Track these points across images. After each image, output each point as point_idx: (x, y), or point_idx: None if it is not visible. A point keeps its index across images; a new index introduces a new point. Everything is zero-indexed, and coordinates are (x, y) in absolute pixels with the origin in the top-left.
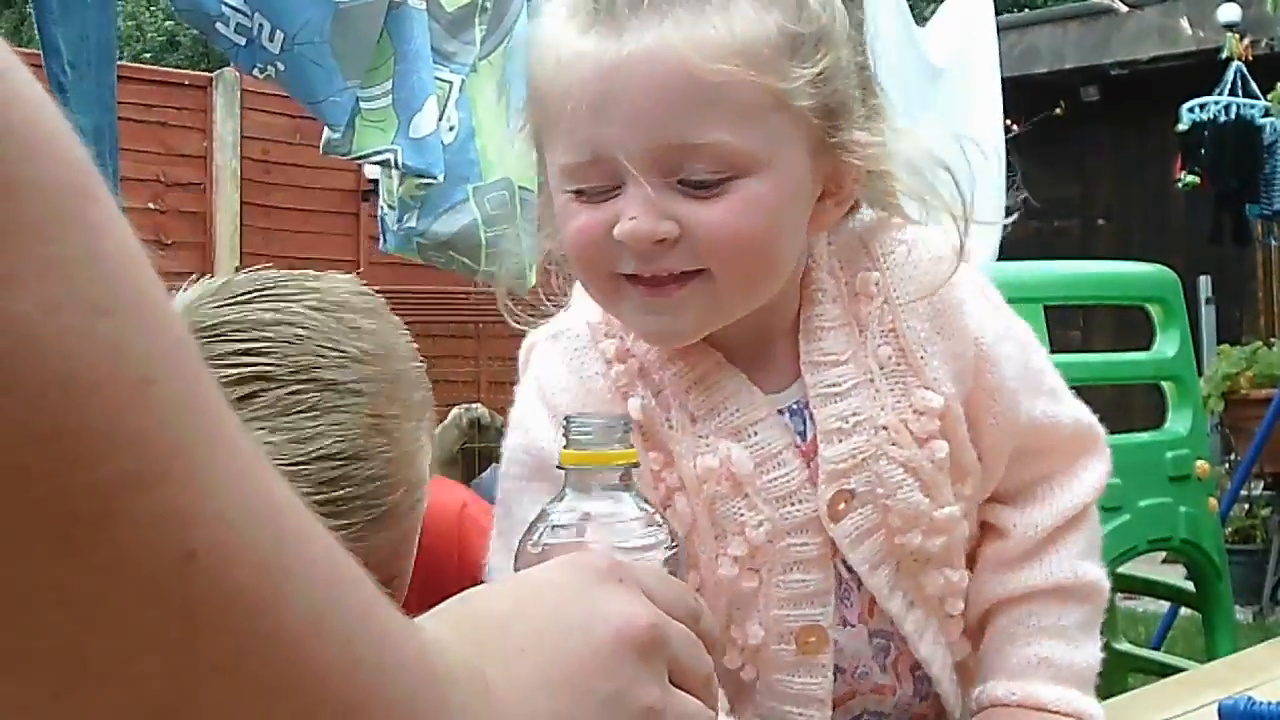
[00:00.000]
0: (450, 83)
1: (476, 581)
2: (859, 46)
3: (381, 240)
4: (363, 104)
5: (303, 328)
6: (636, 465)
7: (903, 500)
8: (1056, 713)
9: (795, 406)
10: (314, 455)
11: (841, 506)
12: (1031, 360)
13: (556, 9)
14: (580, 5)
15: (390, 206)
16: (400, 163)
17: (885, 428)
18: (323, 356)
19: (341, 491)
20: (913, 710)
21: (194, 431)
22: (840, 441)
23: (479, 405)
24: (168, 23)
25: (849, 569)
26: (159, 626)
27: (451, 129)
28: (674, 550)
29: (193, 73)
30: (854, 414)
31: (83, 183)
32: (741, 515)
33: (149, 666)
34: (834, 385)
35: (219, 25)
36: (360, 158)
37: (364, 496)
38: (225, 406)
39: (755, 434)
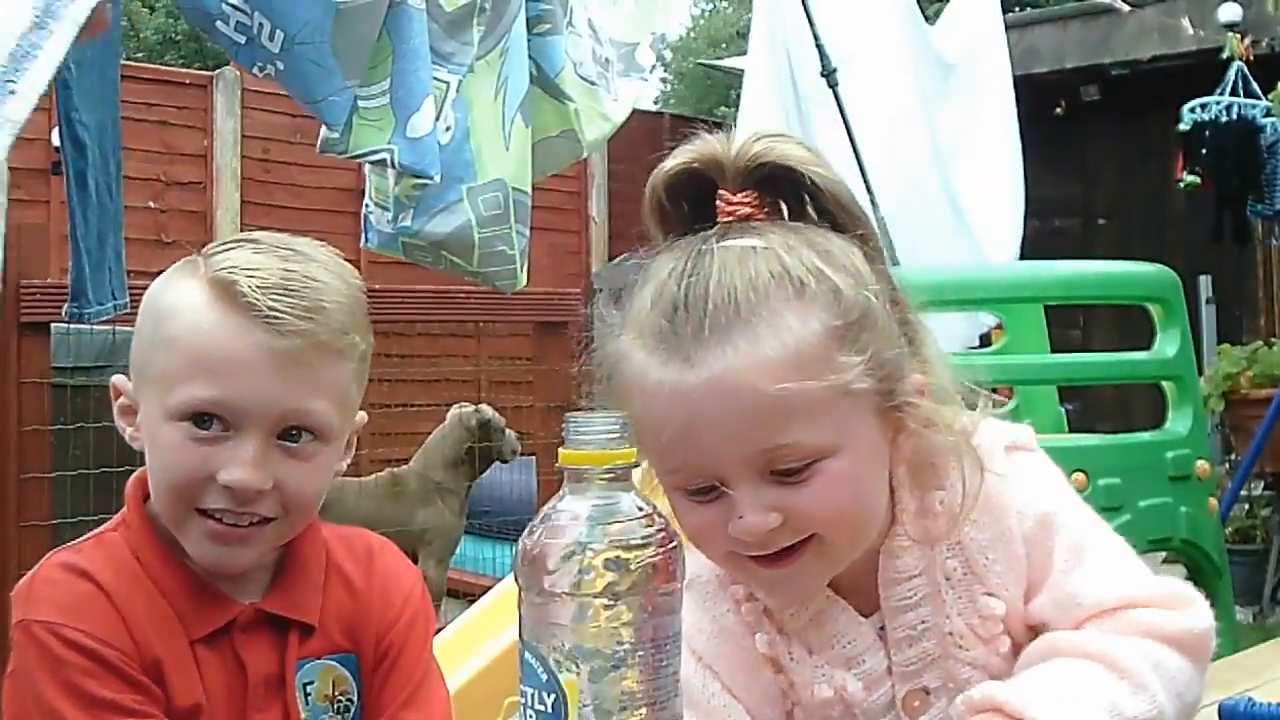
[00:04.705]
0: (447, 83)
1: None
2: (889, 293)
3: (364, 238)
4: (360, 103)
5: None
6: (635, 464)
7: (972, 690)
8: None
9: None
10: None
11: (917, 704)
12: (1085, 545)
13: (635, 339)
14: (654, 339)
15: (378, 205)
16: (397, 162)
17: (951, 634)
18: None
19: None
20: None
21: None
22: (910, 647)
23: (485, 406)
24: (162, 21)
25: None
26: None
27: (448, 129)
28: (672, 548)
29: (193, 72)
30: (922, 623)
31: None
32: None
33: None
34: (905, 599)
35: (219, 24)
36: (356, 157)
37: None
38: None
39: (864, 662)
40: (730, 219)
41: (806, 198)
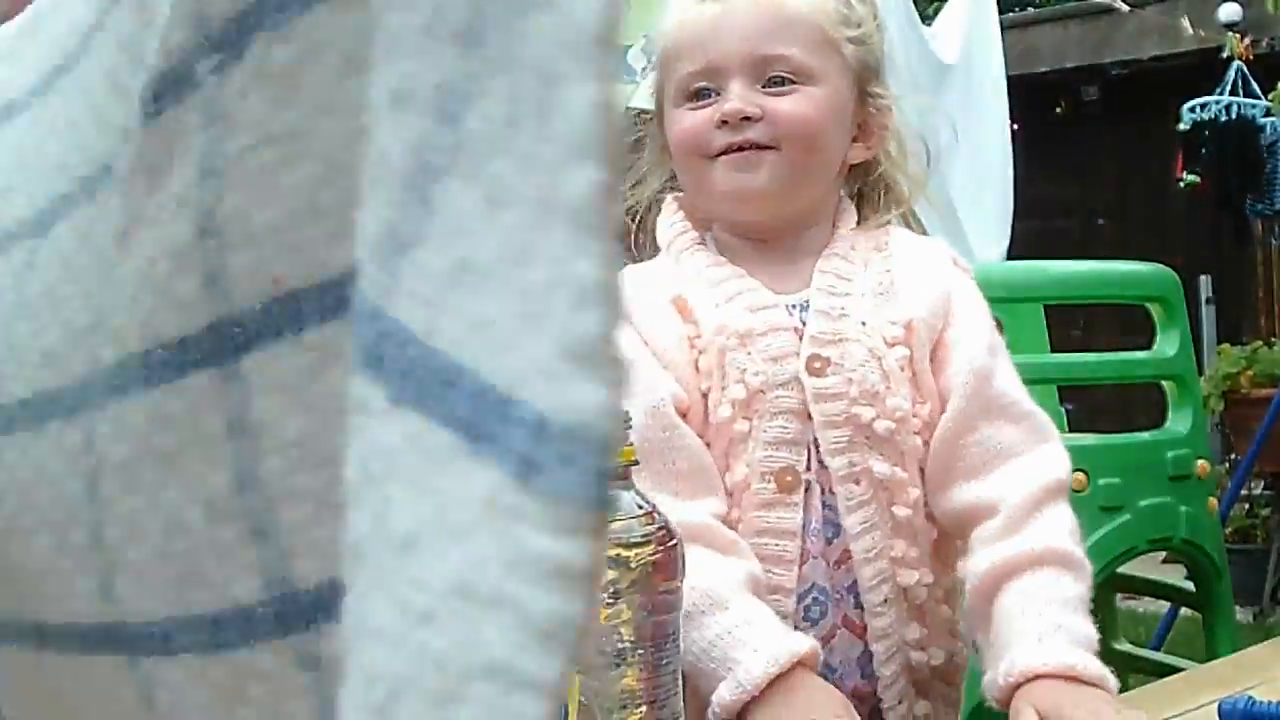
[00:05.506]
0: None
1: None
2: (881, 41)
3: None
4: None
5: None
6: (636, 463)
7: (862, 376)
8: (1087, 682)
9: (802, 303)
10: None
11: (818, 365)
12: (999, 350)
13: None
14: None
15: None
16: None
17: (864, 323)
18: None
19: None
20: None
21: None
22: (825, 322)
23: None
24: None
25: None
26: None
27: None
28: (672, 546)
29: None
30: (842, 309)
31: None
32: (742, 365)
33: None
34: (833, 286)
35: None
36: None
37: None
38: None
39: (762, 311)
40: None
41: None
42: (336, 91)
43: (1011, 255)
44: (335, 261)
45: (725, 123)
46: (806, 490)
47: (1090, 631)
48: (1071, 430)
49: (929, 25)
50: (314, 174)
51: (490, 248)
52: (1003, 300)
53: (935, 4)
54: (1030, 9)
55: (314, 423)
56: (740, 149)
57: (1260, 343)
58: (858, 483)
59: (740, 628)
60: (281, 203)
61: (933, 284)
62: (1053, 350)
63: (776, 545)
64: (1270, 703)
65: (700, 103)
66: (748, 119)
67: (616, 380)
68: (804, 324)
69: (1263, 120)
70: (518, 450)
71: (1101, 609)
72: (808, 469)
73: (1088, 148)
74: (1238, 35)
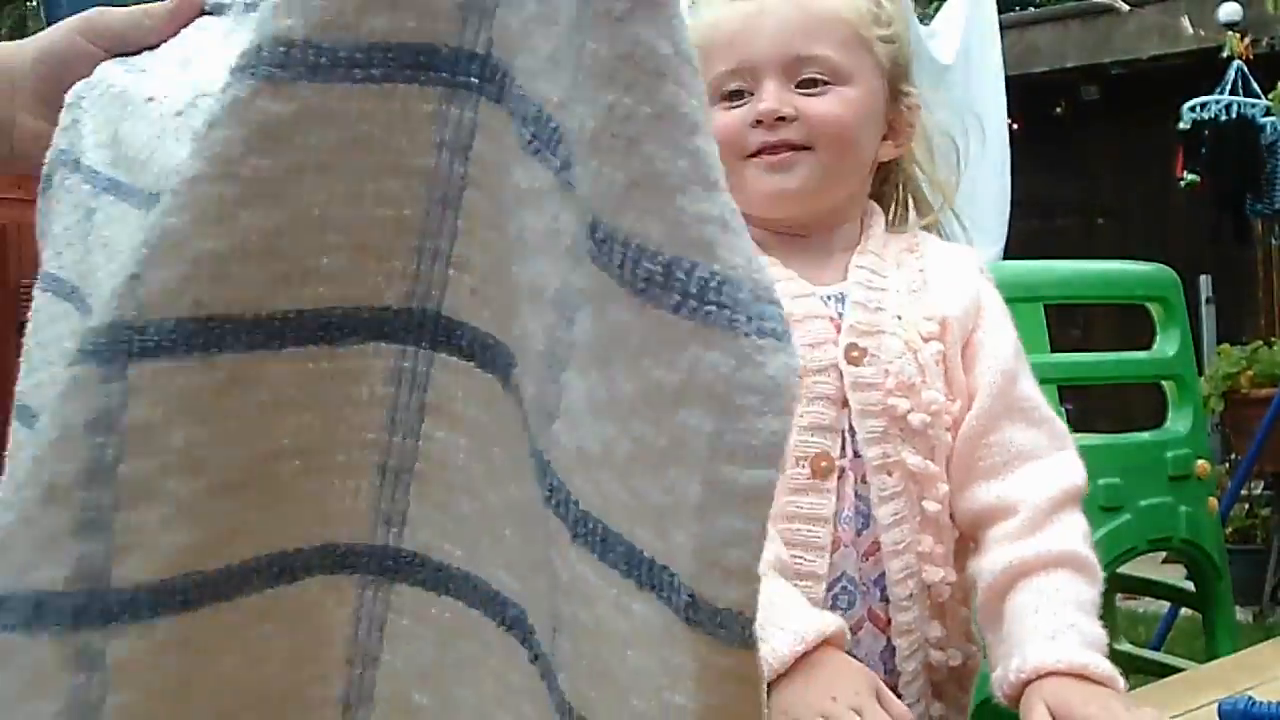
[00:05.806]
0: None
1: None
2: (909, 39)
3: None
4: None
5: None
6: None
7: (899, 369)
8: (1098, 681)
9: (838, 294)
10: None
11: (856, 354)
12: (1022, 356)
13: None
14: None
15: None
16: None
17: (899, 317)
18: None
19: None
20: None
21: None
22: (862, 313)
23: None
24: None
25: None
26: None
27: None
28: None
29: None
30: (878, 303)
31: None
32: None
33: None
34: (870, 281)
35: None
36: None
37: None
38: None
39: (800, 298)
40: None
41: None
42: (338, 158)
43: (1011, 255)
44: (274, 301)
45: (760, 122)
46: (840, 478)
47: (1101, 634)
48: (1072, 430)
49: (928, 25)
50: (277, 220)
51: (597, 445)
52: (1003, 300)
53: (935, 3)
54: (1030, 9)
55: (203, 435)
56: (775, 149)
57: (1260, 343)
58: (890, 474)
59: (767, 608)
60: (229, 235)
61: (964, 286)
62: (1053, 350)
63: (808, 531)
64: (1270, 703)
65: (734, 103)
66: (782, 119)
67: (755, 578)
68: (839, 315)
69: (1263, 120)
70: (676, 605)
71: (1102, 609)
72: (841, 455)
73: (1088, 148)
74: (1238, 35)
